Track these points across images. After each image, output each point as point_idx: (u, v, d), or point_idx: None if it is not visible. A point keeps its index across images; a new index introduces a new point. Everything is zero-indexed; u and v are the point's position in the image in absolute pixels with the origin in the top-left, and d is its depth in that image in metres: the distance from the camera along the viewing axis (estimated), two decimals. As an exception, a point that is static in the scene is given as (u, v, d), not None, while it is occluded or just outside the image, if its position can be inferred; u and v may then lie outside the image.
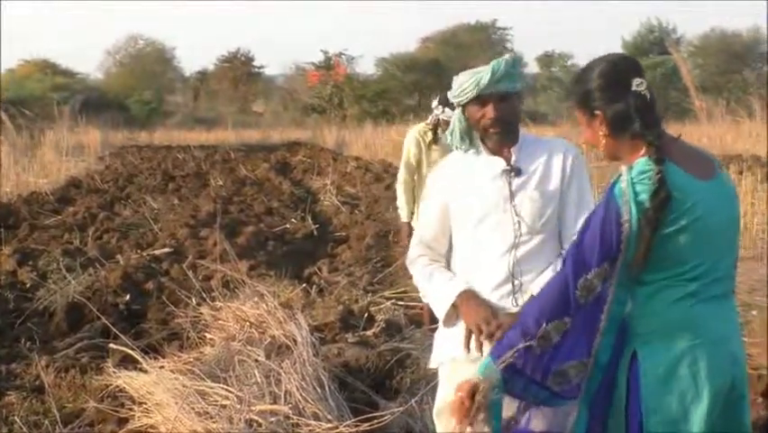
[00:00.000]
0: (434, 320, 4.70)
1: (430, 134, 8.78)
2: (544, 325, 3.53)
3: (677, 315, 3.49)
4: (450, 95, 4.57)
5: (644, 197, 3.44)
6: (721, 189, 3.62)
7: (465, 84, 4.45)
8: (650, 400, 3.49)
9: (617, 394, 3.59)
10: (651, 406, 3.50)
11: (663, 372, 3.49)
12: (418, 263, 4.67)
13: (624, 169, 3.54)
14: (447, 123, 8.16)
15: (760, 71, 58.03)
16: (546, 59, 68.87)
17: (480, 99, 4.45)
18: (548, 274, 4.40)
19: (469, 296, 4.45)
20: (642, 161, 3.52)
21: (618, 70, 3.66)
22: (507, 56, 4.49)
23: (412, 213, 8.88)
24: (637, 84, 3.61)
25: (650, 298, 3.52)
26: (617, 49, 66.23)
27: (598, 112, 3.65)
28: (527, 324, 3.60)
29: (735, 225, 3.71)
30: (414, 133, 8.90)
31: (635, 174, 3.49)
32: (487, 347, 4.23)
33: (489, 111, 4.45)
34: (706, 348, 3.52)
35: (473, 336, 4.38)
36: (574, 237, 3.68)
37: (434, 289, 4.59)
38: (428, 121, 8.88)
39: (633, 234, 3.44)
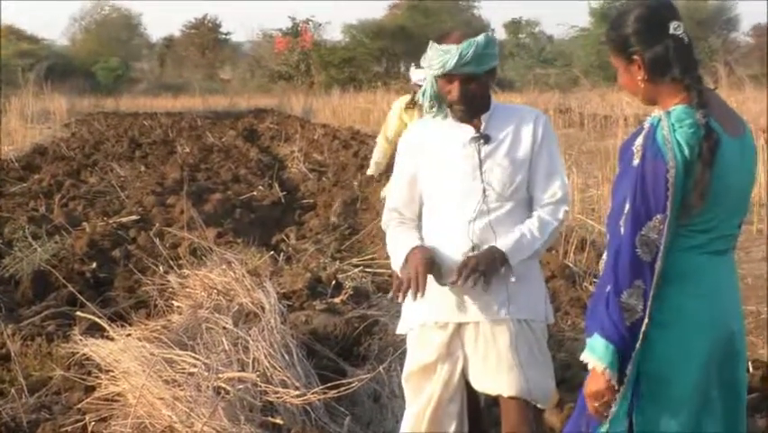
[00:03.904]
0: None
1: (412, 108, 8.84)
2: (618, 299, 3.47)
3: (680, 264, 3.50)
4: (422, 61, 4.56)
5: (684, 144, 3.43)
6: (745, 148, 3.61)
7: (433, 61, 4.43)
8: (649, 344, 3.50)
9: None
10: (649, 350, 3.51)
11: (663, 318, 3.50)
12: (390, 226, 4.69)
13: (661, 114, 3.51)
14: (418, 85, 8.19)
15: (726, 38, 58.22)
16: (514, 26, 68.89)
17: (447, 77, 4.44)
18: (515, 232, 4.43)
19: (416, 249, 4.48)
20: (680, 109, 3.50)
21: (655, 14, 3.60)
22: (480, 37, 4.42)
23: (380, 174, 9.10)
24: (675, 27, 3.56)
25: None
26: (585, 16, 66.27)
27: (635, 57, 3.60)
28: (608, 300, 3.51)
29: (750, 185, 3.71)
30: (399, 105, 8.96)
31: (674, 120, 3.47)
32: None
33: (454, 90, 4.44)
34: (705, 299, 3.54)
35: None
36: (611, 201, 3.62)
37: (395, 247, 4.61)
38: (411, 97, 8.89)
39: (679, 180, 3.43)
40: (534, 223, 4.48)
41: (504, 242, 4.41)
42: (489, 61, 4.47)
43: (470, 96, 4.46)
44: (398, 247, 4.57)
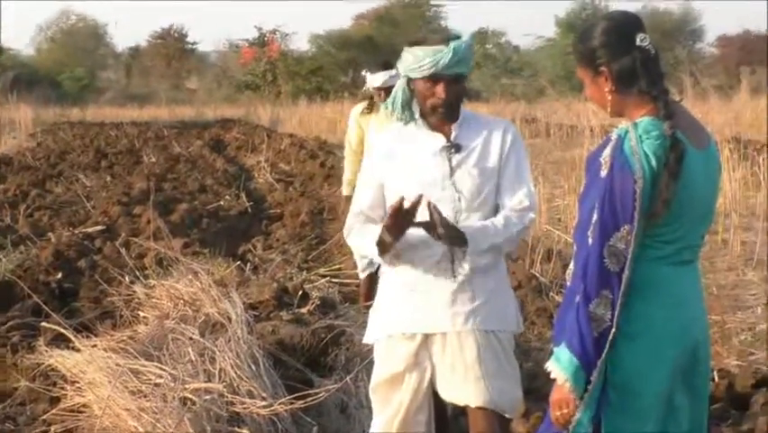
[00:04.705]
0: (368, 297, 4.70)
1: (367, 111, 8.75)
2: (587, 309, 3.48)
3: (647, 274, 3.52)
4: (401, 66, 4.54)
5: (651, 155, 3.46)
6: (709, 160, 3.65)
7: (424, 61, 4.43)
8: (616, 354, 3.52)
9: None
10: (617, 360, 3.53)
11: (631, 328, 3.52)
12: (354, 228, 4.66)
13: (629, 126, 3.53)
14: (380, 89, 8.18)
15: (691, 48, 58.53)
16: (480, 36, 68.94)
17: (434, 78, 4.45)
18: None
19: None
20: (646, 120, 3.53)
21: (622, 26, 3.64)
22: (467, 37, 4.49)
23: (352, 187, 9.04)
24: (641, 39, 3.60)
25: None
26: (551, 26, 66.53)
27: (603, 68, 3.63)
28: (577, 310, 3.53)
29: (715, 196, 3.74)
30: (355, 112, 8.90)
31: (641, 132, 3.49)
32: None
33: (440, 91, 4.45)
34: (672, 308, 3.57)
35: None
36: (579, 211, 3.63)
37: (365, 238, 4.56)
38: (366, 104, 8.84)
39: (646, 191, 3.45)
40: (499, 220, 4.48)
41: (466, 227, 4.42)
42: (471, 64, 4.51)
43: (454, 100, 4.48)
44: (369, 236, 4.51)
